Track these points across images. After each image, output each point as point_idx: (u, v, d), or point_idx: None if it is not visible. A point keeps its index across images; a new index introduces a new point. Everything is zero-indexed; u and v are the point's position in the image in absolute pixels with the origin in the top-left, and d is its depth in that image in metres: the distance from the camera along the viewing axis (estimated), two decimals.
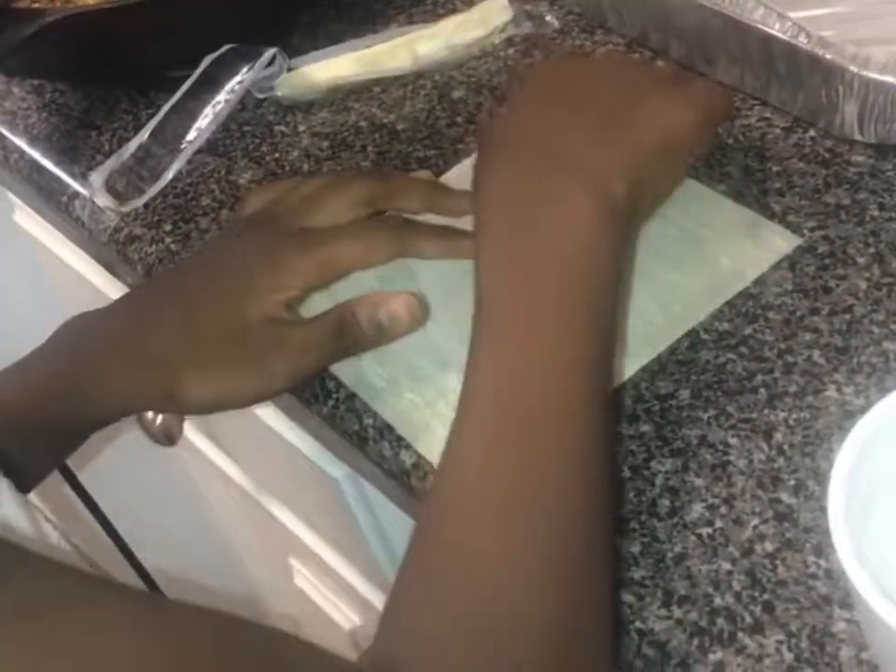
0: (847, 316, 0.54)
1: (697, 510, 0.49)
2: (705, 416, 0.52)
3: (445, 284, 0.59)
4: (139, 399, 0.58)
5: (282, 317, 0.56)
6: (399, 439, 0.55)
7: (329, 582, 0.93)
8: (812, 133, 0.62)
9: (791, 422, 0.51)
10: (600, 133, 0.52)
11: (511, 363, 0.47)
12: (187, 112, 0.73)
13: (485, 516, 0.44)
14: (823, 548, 0.47)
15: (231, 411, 0.59)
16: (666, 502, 0.49)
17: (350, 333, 0.56)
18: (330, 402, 0.58)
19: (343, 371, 0.58)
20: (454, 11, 0.75)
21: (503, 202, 0.51)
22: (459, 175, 0.65)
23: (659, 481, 0.50)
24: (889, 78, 0.57)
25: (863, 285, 0.55)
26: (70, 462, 1.15)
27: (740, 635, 0.45)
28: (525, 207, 0.50)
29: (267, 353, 0.56)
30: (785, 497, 0.49)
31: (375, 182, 0.62)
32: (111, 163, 0.73)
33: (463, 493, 0.45)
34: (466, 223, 0.61)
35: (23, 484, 0.55)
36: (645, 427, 0.52)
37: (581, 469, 0.45)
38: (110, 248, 0.71)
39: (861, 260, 0.56)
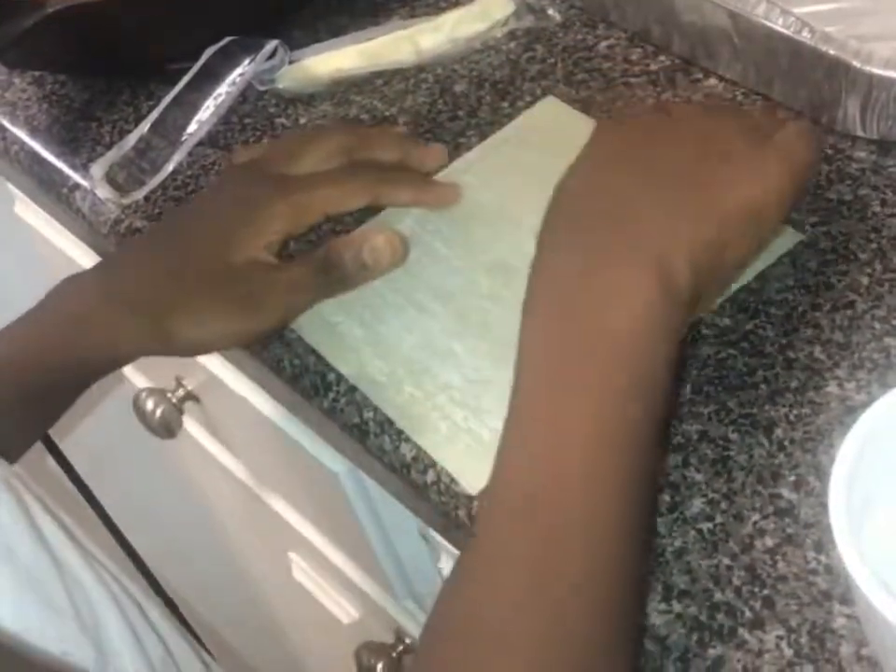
0: (849, 312, 0.54)
1: (697, 505, 0.49)
2: (705, 411, 0.52)
3: (447, 279, 0.59)
4: (132, 343, 0.59)
5: (266, 259, 0.58)
6: (400, 432, 0.55)
7: (328, 577, 0.93)
8: (814, 128, 0.62)
9: (791, 417, 0.51)
10: (672, 205, 0.48)
11: (540, 458, 0.44)
12: (188, 104, 0.73)
13: (501, 617, 0.42)
14: (824, 544, 0.47)
15: (224, 350, 0.61)
16: (667, 497, 0.49)
17: (335, 271, 0.58)
18: (331, 396, 0.58)
19: (344, 364, 0.58)
20: (456, 4, 0.75)
21: (556, 271, 0.47)
22: (462, 168, 0.65)
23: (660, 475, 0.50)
24: (892, 74, 0.57)
25: (865, 281, 0.55)
26: (69, 453, 1.15)
27: (740, 630, 0.45)
28: (578, 281, 0.46)
29: (255, 293, 0.57)
30: (785, 492, 0.49)
31: (351, 133, 0.65)
32: (112, 155, 0.73)
33: (482, 586, 0.43)
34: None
35: (8, 454, 0.55)
36: None
37: (606, 585, 0.42)
38: (110, 240, 0.71)
39: (862, 256, 0.56)
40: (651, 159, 0.49)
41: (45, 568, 0.41)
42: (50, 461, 1.21)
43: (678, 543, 0.48)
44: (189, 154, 0.72)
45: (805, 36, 0.59)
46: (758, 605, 0.46)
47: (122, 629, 0.44)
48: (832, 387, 0.51)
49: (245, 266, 0.58)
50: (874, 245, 0.56)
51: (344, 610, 0.92)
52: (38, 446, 1.17)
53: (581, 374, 0.45)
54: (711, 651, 0.45)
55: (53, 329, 0.60)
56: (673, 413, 0.51)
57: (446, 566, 0.70)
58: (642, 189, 0.48)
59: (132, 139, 0.73)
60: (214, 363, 0.81)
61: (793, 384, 0.52)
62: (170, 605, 1.10)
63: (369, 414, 0.56)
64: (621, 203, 0.48)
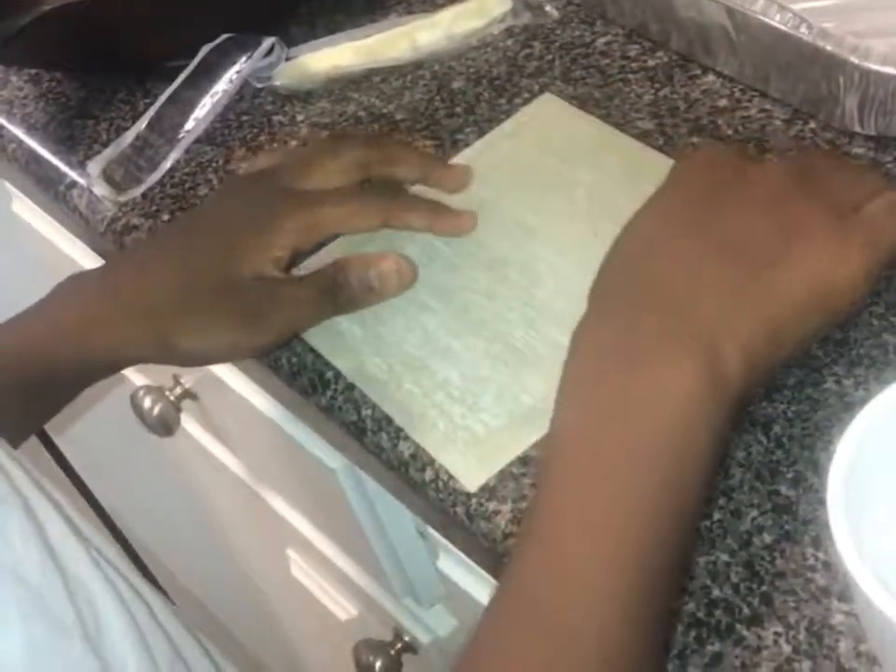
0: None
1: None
2: None
3: (446, 276, 0.59)
4: (134, 348, 0.58)
5: (272, 275, 0.58)
6: (398, 430, 0.55)
7: (326, 574, 0.92)
8: (812, 124, 0.62)
9: (789, 414, 0.51)
10: (735, 288, 0.44)
11: (556, 565, 0.42)
12: (185, 102, 0.73)
13: None
14: (822, 540, 0.47)
15: (224, 363, 0.61)
16: None
17: (341, 292, 0.57)
18: (329, 393, 0.58)
19: (342, 361, 0.58)
20: (453, 1, 0.75)
21: (601, 349, 0.45)
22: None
23: None
24: (889, 70, 0.57)
25: None
26: (66, 450, 1.14)
27: (738, 626, 0.45)
28: (621, 367, 0.44)
29: (260, 307, 0.57)
30: (784, 489, 0.48)
31: (370, 148, 0.63)
32: (109, 153, 0.73)
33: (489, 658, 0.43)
34: (454, 200, 0.62)
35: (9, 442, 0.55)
36: None
37: None
38: (107, 238, 0.71)
39: None
40: (723, 226, 0.46)
41: (51, 581, 0.40)
42: (47, 458, 1.21)
43: None
44: (187, 151, 0.72)
45: (802, 32, 0.59)
46: (756, 601, 0.46)
47: (128, 633, 0.43)
48: (829, 384, 0.51)
49: (251, 280, 0.57)
50: None
51: (343, 608, 0.92)
52: (35, 445, 1.17)
53: (611, 475, 0.42)
54: (709, 648, 0.45)
55: (55, 328, 0.59)
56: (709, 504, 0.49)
57: (444, 563, 0.70)
58: (706, 263, 0.45)
59: (129, 137, 0.73)
60: None
61: (791, 380, 0.52)
62: None
63: (367, 412, 0.56)
64: (681, 277, 0.45)
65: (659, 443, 0.42)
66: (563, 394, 0.45)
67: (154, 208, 0.70)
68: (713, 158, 0.51)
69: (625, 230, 0.48)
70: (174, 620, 0.47)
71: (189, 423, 0.97)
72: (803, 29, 0.59)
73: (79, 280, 0.61)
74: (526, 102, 0.68)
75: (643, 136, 0.63)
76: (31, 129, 0.78)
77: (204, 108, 0.72)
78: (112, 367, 0.62)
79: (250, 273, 0.57)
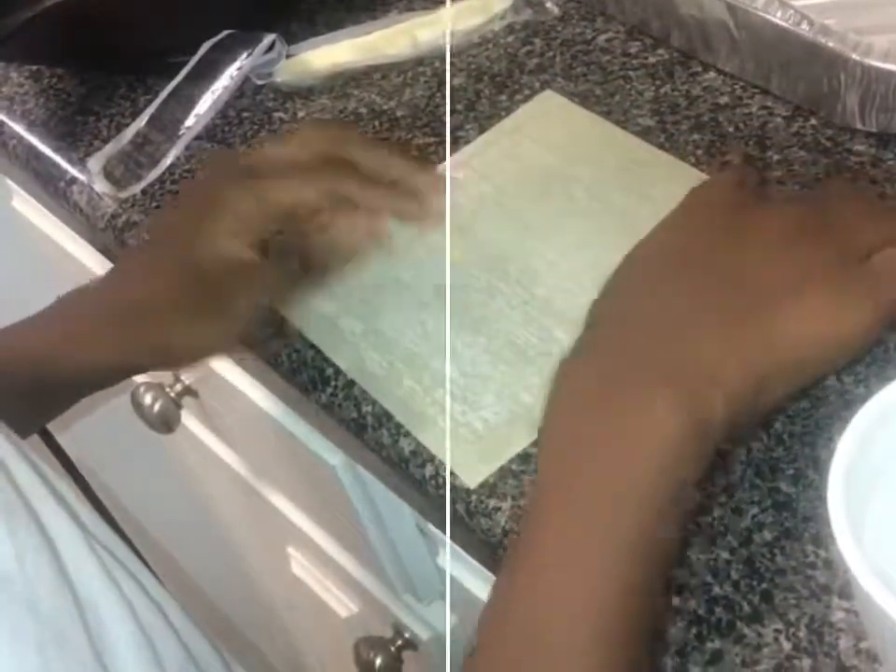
0: None
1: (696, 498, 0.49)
2: None
3: (445, 273, 0.59)
4: (130, 355, 0.59)
5: (239, 258, 0.57)
6: (399, 426, 0.55)
7: (327, 570, 0.92)
8: (813, 121, 0.62)
9: (790, 411, 0.51)
10: (728, 334, 0.43)
11: (527, 621, 0.42)
12: (185, 98, 0.73)
13: None
14: (822, 537, 0.47)
15: (218, 355, 0.63)
16: None
17: (303, 255, 0.58)
18: (329, 390, 0.58)
19: (342, 358, 0.58)
20: None
21: (580, 385, 0.45)
22: (460, 162, 0.65)
23: None
24: (891, 67, 0.57)
25: None
26: (67, 447, 1.14)
27: (738, 624, 0.45)
28: (599, 405, 0.44)
29: (234, 293, 0.57)
30: (784, 486, 0.48)
31: (330, 130, 0.63)
32: (109, 149, 0.73)
33: None
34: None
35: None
36: None
37: None
38: (108, 234, 0.71)
39: None
40: (724, 269, 0.45)
41: (62, 603, 0.39)
42: (48, 454, 1.21)
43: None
44: (187, 148, 0.71)
45: (803, 29, 0.59)
46: (756, 599, 0.46)
47: (133, 640, 0.42)
48: (830, 381, 0.51)
49: (222, 267, 0.57)
50: None
51: (343, 604, 0.92)
52: (36, 441, 1.17)
53: (590, 517, 0.42)
54: (710, 645, 0.45)
55: (55, 345, 0.59)
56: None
57: (444, 560, 0.70)
58: (703, 306, 0.45)
59: (129, 133, 0.73)
60: None
61: None
62: None
63: (367, 408, 0.56)
64: (674, 317, 0.45)
65: (636, 486, 0.42)
66: (546, 430, 0.45)
67: (154, 205, 0.69)
68: (725, 194, 0.50)
69: (629, 258, 0.48)
70: (186, 620, 0.47)
71: (189, 420, 0.97)
72: (804, 26, 0.59)
73: (79, 294, 0.61)
74: (527, 98, 0.68)
75: (644, 133, 0.63)
76: (31, 125, 0.78)
77: (205, 105, 0.72)
78: (109, 379, 0.62)
79: (218, 259, 0.57)
